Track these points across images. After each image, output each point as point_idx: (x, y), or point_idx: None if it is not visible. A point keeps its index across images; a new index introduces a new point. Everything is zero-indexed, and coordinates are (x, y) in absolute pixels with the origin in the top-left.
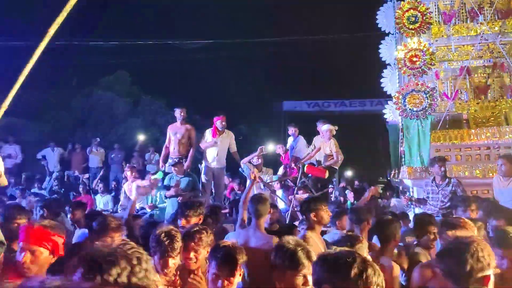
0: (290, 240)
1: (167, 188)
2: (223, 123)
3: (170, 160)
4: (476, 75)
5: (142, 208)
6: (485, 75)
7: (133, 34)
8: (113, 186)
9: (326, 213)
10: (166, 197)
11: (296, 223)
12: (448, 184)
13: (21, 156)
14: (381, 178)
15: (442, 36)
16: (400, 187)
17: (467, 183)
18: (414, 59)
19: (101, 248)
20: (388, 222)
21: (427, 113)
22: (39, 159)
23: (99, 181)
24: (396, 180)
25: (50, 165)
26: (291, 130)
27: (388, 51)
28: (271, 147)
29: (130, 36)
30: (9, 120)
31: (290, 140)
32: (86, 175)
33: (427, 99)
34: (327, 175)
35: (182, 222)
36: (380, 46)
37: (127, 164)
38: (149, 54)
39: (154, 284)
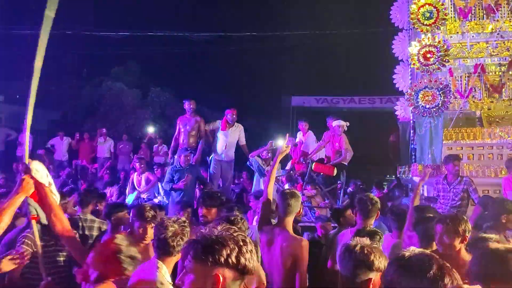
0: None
1: (171, 180)
2: (234, 116)
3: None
4: (490, 73)
5: (150, 199)
6: (500, 73)
7: (143, 25)
8: (121, 176)
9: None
10: (172, 189)
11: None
12: (460, 182)
13: (31, 145)
14: (388, 176)
15: (457, 32)
16: (410, 185)
17: (479, 182)
18: (428, 55)
19: (210, 232)
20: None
21: (440, 111)
22: (48, 148)
23: (106, 171)
24: (406, 177)
25: (59, 154)
26: (302, 125)
27: (401, 47)
28: (280, 141)
29: (141, 27)
30: (20, 109)
31: (299, 135)
32: (95, 166)
33: (440, 96)
34: (335, 172)
35: (203, 211)
36: (393, 41)
37: (135, 155)
38: (159, 45)
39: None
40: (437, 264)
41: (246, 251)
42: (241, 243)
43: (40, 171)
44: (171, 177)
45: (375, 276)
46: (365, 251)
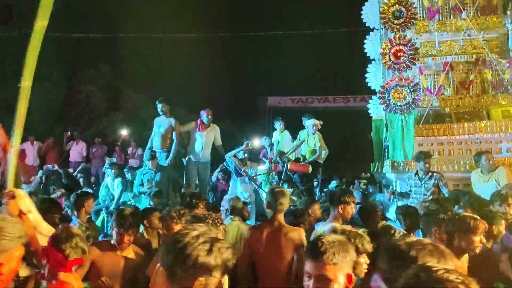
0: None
1: (141, 184)
2: (209, 116)
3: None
4: (458, 71)
5: (125, 202)
6: (467, 70)
7: (115, 27)
8: (92, 180)
9: (351, 210)
10: (139, 193)
11: None
12: (431, 177)
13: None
14: (363, 173)
15: (426, 31)
16: (383, 181)
17: (449, 177)
18: (399, 54)
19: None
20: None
21: (410, 108)
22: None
23: (79, 175)
24: (379, 174)
25: (29, 159)
26: (278, 124)
27: (373, 46)
28: (256, 142)
29: (112, 29)
30: None
31: (275, 135)
32: (70, 170)
33: (411, 94)
34: (310, 169)
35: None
36: (365, 41)
37: (107, 160)
38: (130, 47)
39: None
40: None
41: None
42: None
43: (23, 198)
44: (141, 180)
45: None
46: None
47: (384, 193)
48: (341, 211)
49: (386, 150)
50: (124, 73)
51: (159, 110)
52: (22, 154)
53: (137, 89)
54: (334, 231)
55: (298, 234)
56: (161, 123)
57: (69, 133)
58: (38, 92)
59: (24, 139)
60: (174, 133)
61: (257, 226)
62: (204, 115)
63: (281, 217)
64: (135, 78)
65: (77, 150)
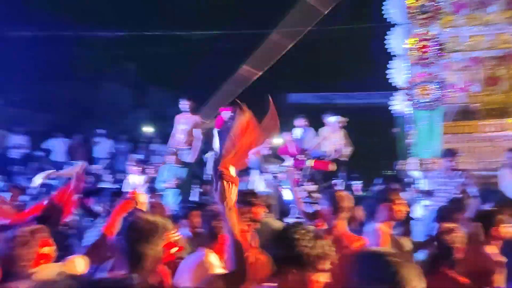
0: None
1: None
2: (231, 114)
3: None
4: (486, 66)
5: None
6: (495, 66)
7: (140, 25)
8: (118, 177)
9: (401, 209)
10: (164, 188)
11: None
12: (458, 176)
13: (29, 147)
14: (386, 171)
15: (453, 26)
16: (407, 180)
17: (477, 175)
18: (425, 49)
19: None
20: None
21: (437, 105)
22: (46, 149)
23: (105, 171)
24: (403, 172)
25: (58, 155)
26: (300, 121)
27: (397, 41)
28: (275, 139)
29: (138, 27)
30: (16, 111)
31: (297, 131)
32: (97, 166)
33: (437, 90)
34: (332, 167)
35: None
36: (388, 37)
37: (131, 157)
38: (156, 45)
39: None
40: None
41: None
42: None
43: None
44: (164, 176)
45: None
46: None
47: (408, 190)
48: (387, 210)
49: (410, 148)
50: (149, 71)
51: (182, 107)
52: (50, 150)
53: (161, 87)
54: None
55: (359, 245)
56: (185, 120)
57: (101, 131)
58: (66, 90)
59: (50, 137)
60: (198, 130)
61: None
62: (225, 113)
63: (342, 223)
64: (159, 76)
65: (103, 147)
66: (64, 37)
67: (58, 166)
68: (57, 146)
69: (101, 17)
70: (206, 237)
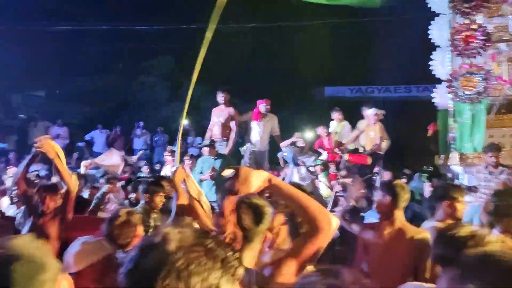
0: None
1: (200, 171)
2: (267, 106)
3: (205, 142)
4: None
5: None
6: None
7: (176, 18)
8: (157, 168)
9: (461, 207)
10: (200, 181)
11: (337, 209)
12: (502, 172)
13: (69, 138)
14: (425, 167)
15: (500, 15)
16: (448, 175)
17: None
18: (469, 39)
19: None
20: None
21: (481, 97)
22: (88, 140)
23: (142, 162)
24: (444, 167)
25: (98, 146)
26: (336, 115)
27: (439, 32)
28: (308, 133)
29: (174, 20)
30: (57, 103)
31: (332, 125)
32: (135, 157)
33: (482, 82)
34: (369, 161)
35: None
36: (430, 27)
37: (167, 148)
38: (192, 38)
39: None
40: None
41: None
42: None
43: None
44: (200, 168)
45: None
46: None
47: None
48: (446, 208)
49: (452, 142)
50: (185, 64)
51: (220, 99)
52: (91, 141)
53: (197, 80)
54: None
55: (422, 237)
56: (221, 113)
57: (141, 123)
58: (105, 82)
59: (93, 128)
60: (233, 122)
61: (371, 224)
62: (262, 105)
63: (401, 214)
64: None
65: (141, 139)
66: (103, 31)
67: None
68: (97, 138)
69: (138, 11)
70: None
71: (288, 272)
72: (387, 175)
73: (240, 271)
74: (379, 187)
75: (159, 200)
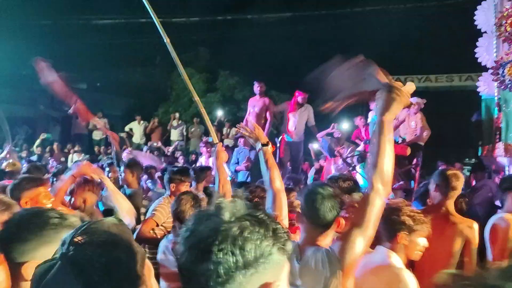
0: None
1: (236, 162)
2: (304, 97)
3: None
4: None
5: None
6: None
7: (212, 10)
8: (192, 159)
9: None
10: (235, 171)
11: None
12: None
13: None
14: (467, 159)
15: None
16: (494, 166)
17: None
18: None
19: None
20: None
21: None
22: (127, 131)
23: (178, 153)
24: (489, 158)
25: (136, 137)
26: (374, 104)
27: (485, 17)
28: (345, 124)
29: (210, 12)
30: (98, 95)
31: (371, 114)
32: (170, 148)
33: None
34: (409, 152)
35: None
36: (476, 12)
37: (203, 139)
38: (227, 29)
39: None
40: None
41: None
42: None
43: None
44: (236, 159)
45: None
46: None
47: (493, 178)
48: None
49: (498, 132)
50: (221, 55)
51: (256, 90)
52: (130, 132)
53: (232, 71)
54: None
55: (469, 226)
56: (256, 103)
57: (177, 114)
58: (144, 75)
59: (131, 119)
60: (268, 113)
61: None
62: (300, 97)
63: (450, 204)
64: (231, 60)
65: (178, 130)
66: (142, 24)
67: (137, 147)
68: (136, 128)
69: (176, 4)
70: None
71: (356, 242)
72: (441, 166)
73: (289, 245)
74: (433, 176)
75: (184, 189)
